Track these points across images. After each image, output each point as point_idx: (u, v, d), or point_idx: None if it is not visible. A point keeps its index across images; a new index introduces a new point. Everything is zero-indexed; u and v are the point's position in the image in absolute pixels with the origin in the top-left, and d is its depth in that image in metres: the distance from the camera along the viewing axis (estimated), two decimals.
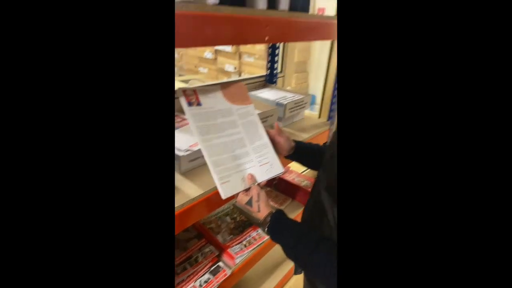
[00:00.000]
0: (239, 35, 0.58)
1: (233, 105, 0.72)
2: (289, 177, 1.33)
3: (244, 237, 1.05)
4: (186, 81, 3.29)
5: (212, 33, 0.56)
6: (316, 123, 1.19)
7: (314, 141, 1.09)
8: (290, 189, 1.29)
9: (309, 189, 1.15)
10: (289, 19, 0.72)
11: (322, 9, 1.35)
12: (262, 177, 0.67)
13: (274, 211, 0.59)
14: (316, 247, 0.50)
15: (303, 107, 1.17)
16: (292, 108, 1.10)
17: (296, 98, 1.13)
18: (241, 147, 0.68)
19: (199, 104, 0.67)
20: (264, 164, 0.68)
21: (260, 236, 1.08)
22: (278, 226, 0.57)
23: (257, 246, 1.02)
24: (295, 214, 1.18)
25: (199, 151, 0.76)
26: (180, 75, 3.75)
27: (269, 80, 1.36)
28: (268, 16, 0.66)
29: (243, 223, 1.14)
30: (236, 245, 1.01)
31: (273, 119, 0.99)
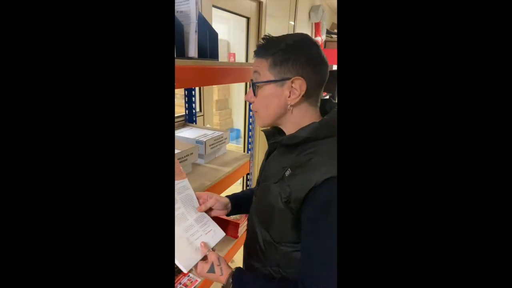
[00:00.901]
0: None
1: None
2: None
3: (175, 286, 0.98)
4: None
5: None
6: (237, 156, 1.26)
7: (237, 173, 1.15)
8: (221, 224, 1.28)
9: (239, 222, 1.18)
10: (195, 66, 0.79)
11: (233, 54, 1.51)
12: (212, 243, 0.67)
13: (233, 270, 0.58)
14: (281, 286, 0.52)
15: (224, 142, 1.24)
16: (212, 144, 1.15)
17: (216, 135, 1.19)
18: (184, 221, 0.68)
19: None
20: (208, 232, 0.70)
21: (191, 280, 1.03)
22: (240, 284, 0.56)
23: None
24: (228, 248, 1.18)
25: None
26: None
27: (189, 119, 1.40)
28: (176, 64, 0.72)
29: None
30: None
31: (193, 157, 1.02)
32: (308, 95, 0.55)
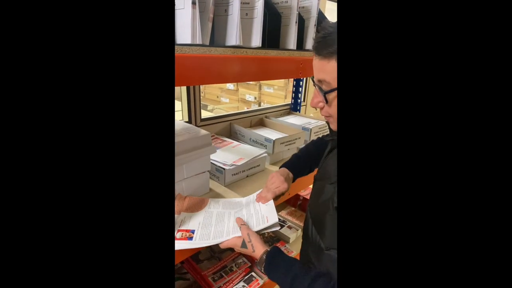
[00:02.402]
0: (277, 72, 0.73)
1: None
2: None
3: None
4: (210, 110, 3.53)
5: (257, 71, 0.72)
6: None
7: None
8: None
9: None
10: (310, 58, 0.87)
11: None
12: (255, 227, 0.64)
13: (269, 249, 0.55)
14: (311, 285, 0.47)
15: (326, 131, 1.30)
16: (316, 132, 1.23)
17: (320, 124, 1.26)
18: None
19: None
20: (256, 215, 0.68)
21: (288, 251, 1.15)
22: (273, 264, 0.53)
23: None
24: None
25: (241, 165, 0.89)
26: (203, 105, 4.03)
27: (293, 108, 1.51)
28: (300, 56, 0.82)
29: (271, 238, 1.22)
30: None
31: (300, 142, 1.12)
32: None
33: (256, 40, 0.80)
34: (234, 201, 0.76)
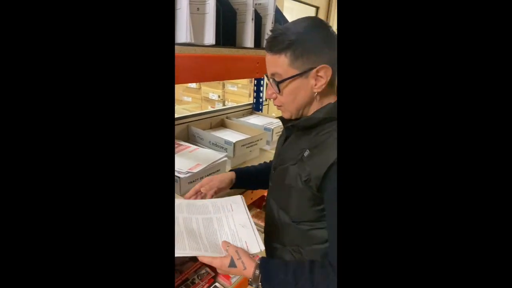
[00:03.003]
0: (233, 71, 0.69)
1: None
2: None
3: None
4: None
5: (212, 71, 0.66)
6: None
7: None
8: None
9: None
10: None
11: None
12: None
13: (258, 262, 0.54)
14: (312, 274, 0.50)
15: None
16: (278, 132, 1.21)
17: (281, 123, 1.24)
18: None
19: None
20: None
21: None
22: (270, 273, 0.53)
23: None
24: None
25: (198, 172, 0.83)
26: None
27: (255, 108, 1.48)
28: (257, 55, 0.78)
29: None
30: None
31: (262, 143, 1.09)
32: (332, 79, 0.54)
33: (209, 37, 0.74)
34: (198, 204, 0.69)
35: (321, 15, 2.06)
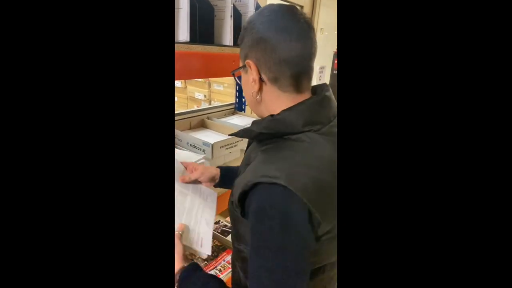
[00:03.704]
0: (210, 69, 0.65)
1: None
2: None
3: (218, 262, 1.05)
4: None
5: (188, 68, 0.63)
6: None
7: None
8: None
9: None
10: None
11: None
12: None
13: (184, 266, 0.49)
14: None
15: None
16: None
17: None
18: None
19: None
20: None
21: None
22: (186, 283, 0.48)
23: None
24: None
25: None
26: None
27: (238, 108, 1.45)
28: (234, 53, 0.75)
29: (217, 248, 1.14)
30: (210, 270, 1.00)
31: (243, 144, 1.06)
32: (273, 79, 0.45)
33: (183, 33, 0.70)
34: (180, 169, 0.68)
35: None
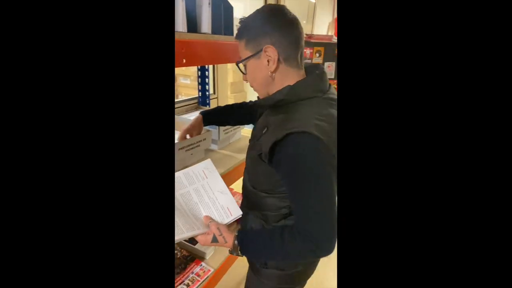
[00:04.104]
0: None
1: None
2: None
3: (186, 275, 0.95)
4: None
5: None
6: None
7: None
8: None
9: None
10: (208, 41, 0.70)
11: None
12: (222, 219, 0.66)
13: (236, 233, 0.62)
14: (282, 238, 0.56)
15: (238, 127, 1.16)
16: (226, 129, 1.08)
17: None
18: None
19: None
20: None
21: (204, 270, 0.99)
22: (247, 242, 0.61)
23: (202, 282, 0.93)
24: None
25: None
26: None
27: (202, 102, 1.33)
28: (185, 39, 0.64)
29: (185, 258, 1.04)
30: (177, 286, 0.90)
31: (206, 143, 0.95)
32: (285, 58, 0.58)
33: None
34: None
35: (271, 2, 1.95)
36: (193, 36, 0.70)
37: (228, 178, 0.94)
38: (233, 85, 3.22)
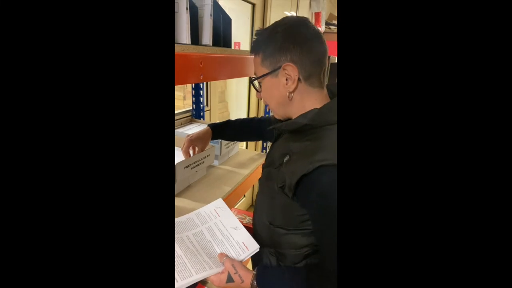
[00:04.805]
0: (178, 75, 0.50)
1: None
2: None
3: None
4: None
5: None
6: (251, 156, 1.16)
7: (256, 175, 1.04)
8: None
9: (251, 226, 1.08)
10: (225, 56, 0.68)
11: (238, 44, 1.39)
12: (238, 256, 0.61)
13: (255, 272, 0.55)
14: (308, 282, 0.51)
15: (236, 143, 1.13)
16: (227, 144, 1.04)
17: None
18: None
19: None
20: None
21: None
22: (267, 284, 0.54)
23: None
24: None
25: None
26: None
27: (196, 115, 1.28)
28: (204, 53, 0.60)
29: None
30: None
31: (210, 159, 0.90)
32: (306, 77, 0.53)
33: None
34: (182, 220, 0.66)
35: (258, 13, 1.97)
36: (211, 50, 0.67)
37: (234, 195, 0.90)
38: (222, 94, 3.17)
